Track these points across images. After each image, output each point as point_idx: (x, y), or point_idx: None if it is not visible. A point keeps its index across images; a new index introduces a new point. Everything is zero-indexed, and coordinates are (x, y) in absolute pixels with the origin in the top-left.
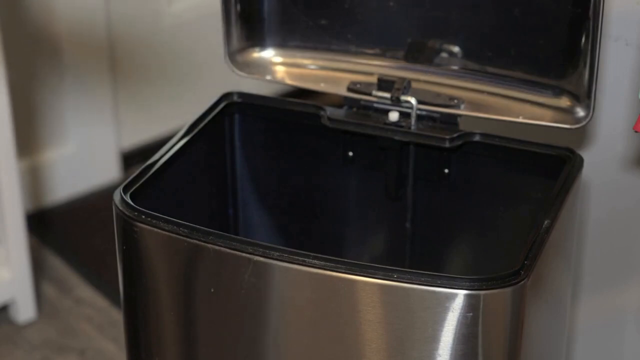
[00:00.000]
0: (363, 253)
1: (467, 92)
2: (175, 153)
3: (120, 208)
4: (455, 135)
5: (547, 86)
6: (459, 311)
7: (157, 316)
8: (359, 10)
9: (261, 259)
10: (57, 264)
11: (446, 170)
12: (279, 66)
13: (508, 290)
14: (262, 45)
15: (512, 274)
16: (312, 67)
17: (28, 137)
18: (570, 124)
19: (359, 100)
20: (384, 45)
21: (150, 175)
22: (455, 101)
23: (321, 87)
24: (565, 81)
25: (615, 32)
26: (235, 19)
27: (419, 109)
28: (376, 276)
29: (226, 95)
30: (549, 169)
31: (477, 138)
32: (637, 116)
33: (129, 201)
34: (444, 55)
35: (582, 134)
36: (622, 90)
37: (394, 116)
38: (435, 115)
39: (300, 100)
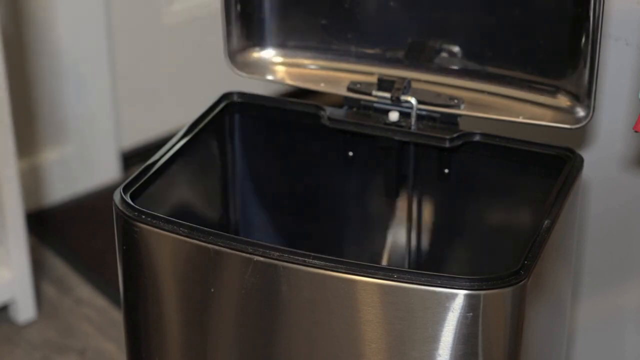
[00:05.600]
0: (363, 253)
1: (467, 92)
2: (175, 153)
3: (120, 208)
4: (455, 135)
5: (547, 86)
6: (459, 311)
7: (157, 316)
8: (359, 10)
9: (261, 259)
10: (57, 264)
11: (446, 170)
12: (279, 66)
13: (508, 290)
14: (262, 45)
15: (512, 274)
16: (312, 67)
17: (28, 137)
18: (570, 124)
19: (359, 100)
20: (384, 45)
21: (150, 175)
22: (455, 101)
23: (321, 87)
24: (565, 81)
25: (615, 32)
26: (235, 19)
27: (419, 109)
28: (376, 276)
29: (226, 95)
30: (549, 169)
31: (477, 138)
32: (637, 116)
33: (129, 201)
34: (444, 55)
35: (582, 133)
36: (622, 90)
37: (394, 116)
38: (435, 115)
39: (300, 100)
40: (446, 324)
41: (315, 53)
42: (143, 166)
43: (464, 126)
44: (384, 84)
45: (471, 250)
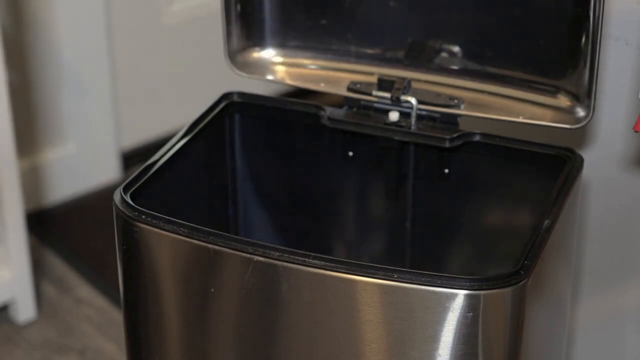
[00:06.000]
0: (363, 253)
1: (467, 92)
2: (175, 153)
3: (120, 208)
4: (455, 135)
5: (547, 86)
6: (459, 311)
7: (157, 316)
8: (359, 10)
9: (261, 259)
10: (57, 264)
11: (446, 170)
12: (279, 66)
13: (508, 290)
14: (262, 45)
15: (512, 274)
16: (312, 67)
17: (28, 137)
18: (570, 124)
19: (359, 100)
20: (384, 45)
21: (150, 175)
22: (455, 101)
23: (321, 87)
24: (565, 81)
25: (615, 32)
26: (235, 19)
27: (419, 109)
28: (376, 276)
29: (226, 95)
30: (549, 169)
31: (477, 138)
32: (637, 116)
33: (129, 201)
34: (444, 55)
35: (582, 133)
36: (622, 90)
37: (394, 116)
38: (435, 115)
39: (300, 100)
40: (446, 324)
41: (315, 53)
42: (143, 166)
43: (464, 126)
44: (384, 84)
45: (471, 250)
